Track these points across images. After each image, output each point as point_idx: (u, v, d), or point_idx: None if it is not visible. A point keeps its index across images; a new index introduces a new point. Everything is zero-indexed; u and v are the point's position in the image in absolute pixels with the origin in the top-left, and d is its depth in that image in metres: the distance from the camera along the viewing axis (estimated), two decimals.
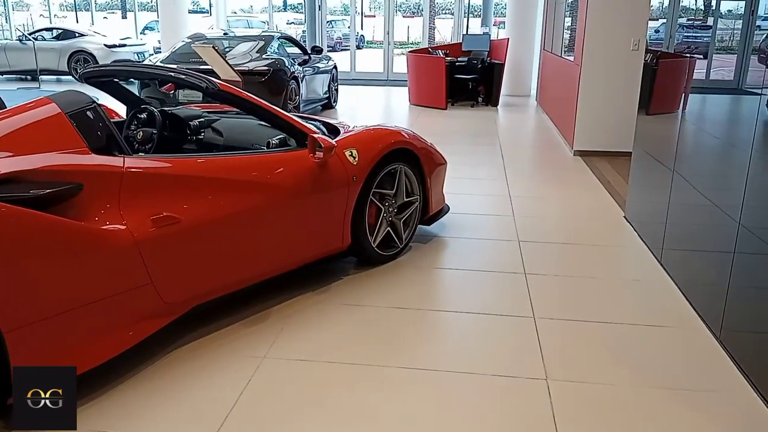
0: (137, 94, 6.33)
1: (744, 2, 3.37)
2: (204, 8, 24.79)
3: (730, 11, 3.77)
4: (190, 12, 15.37)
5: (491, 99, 10.99)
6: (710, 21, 3.97)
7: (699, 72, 3.91)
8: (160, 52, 11.91)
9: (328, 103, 10.45)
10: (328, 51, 13.65)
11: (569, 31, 8.42)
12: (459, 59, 11.08)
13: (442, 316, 3.32)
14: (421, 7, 16.27)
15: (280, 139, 3.39)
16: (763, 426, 2.36)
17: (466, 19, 15.94)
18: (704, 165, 3.61)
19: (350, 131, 3.81)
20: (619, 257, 4.20)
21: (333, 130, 3.83)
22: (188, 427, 2.31)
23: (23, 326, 2.16)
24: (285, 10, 24.58)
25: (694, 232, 3.56)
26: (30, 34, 15.26)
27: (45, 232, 2.24)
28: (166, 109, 3.75)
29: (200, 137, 3.70)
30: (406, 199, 3.88)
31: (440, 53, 11.15)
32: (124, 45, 15.24)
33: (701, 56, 3.96)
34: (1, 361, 2.12)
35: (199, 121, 3.73)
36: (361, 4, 22.84)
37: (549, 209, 5.12)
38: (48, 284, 2.25)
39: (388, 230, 3.80)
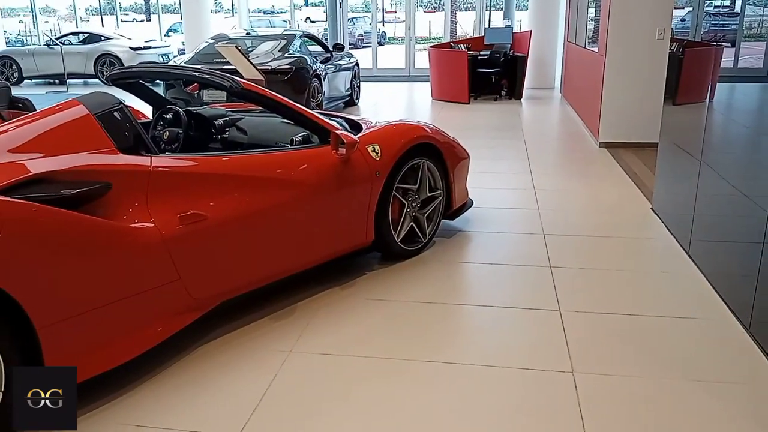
0: (163, 95, 6.42)
1: None
2: (225, 8, 25.02)
3: None
4: (212, 12, 15.53)
5: (515, 92, 10.91)
6: (737, 8, 3.91)
7: (727, 60, 3.85)
8: (184, 53, 12.05)
9: (351, 100, 10.47)
10: (350, 48, 13.68)
11: (593, 22, 8.32)
12: (481, 53, 11.02)
13: (467, 310, 3.32)
14: (442, 2, 16.19)
15: (303, 136, 3.42)
16: None
17: (488, 13, 15.84)
18: (732, 155, 3.56)
19: (372, 127, 3.83)
20: (646, 249, 4.15)
21: (355, 127, 3.85)
22: (217, 419, 2.35)
23: (56, 323, 2.21)
24: (306, 5, 24.66)
25: (722, 222, 3.50)
26: (57, 39, 15.55)
27: (76, 230, 2.29)
28: (191, 109, 3.80)
29: (225, 136, 3.75)
30: (429, 194, 3.88)
31: (462, 47, 11.10)
32: (149, 47, 15.45)
33: (729, 44, 3.90)
34: (35, 357, 2.18)
35: (223, 120, 3.78)
36: (383, 1, 22.82)
37: (574, 202, 5.08)
38: (79, 282, 2.30)
39: (412, 225, 3.81)
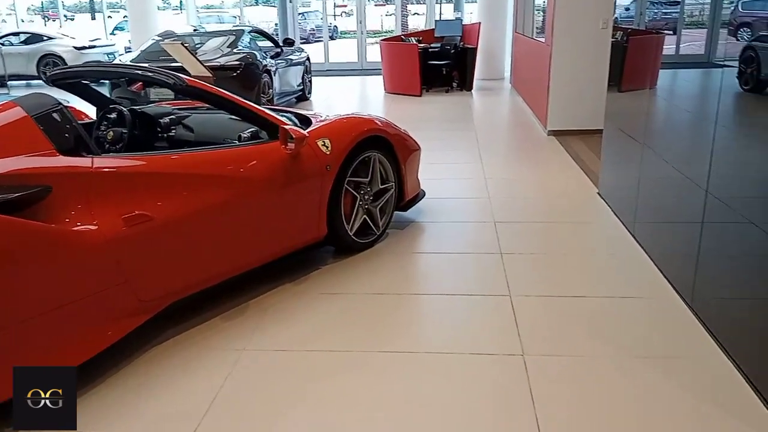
0: (108, 95, 6.27)
1: None
2: (173, 5, 24.50)
3: None
4: (159, 9, 15.21)
5: (465, 84, 11.02)
6: None
7: (669, 47, 3.96)
8: (131, 51, 11.78)
9: (303, 95, 10.42)
10: (302, 43, 13.60)
11: (540, 13, 8.46)
12: (432, 45, 11.09)
13: (421, 299, 3.35)
14: None
15: (251, 132, 3.39)
16: (736, 389, 2.42)
17: (438, 5, 15.93)
18: (674, 138, 3.67)
19: (323, 121, 3.82)
20: (593, 233, 4.26)
21: (305, 121, 3.83)
22: (169, 422, 2.33)
23: None
24: (257, 4, 24.35)
25: (664, 204, 3.62)
26: None
27: (15, 236, 2.23)
28: (135, 107, 3.72)
29: (171, 134, 3.68)
30: (381, 187, 3.90)
31: (413, 40, 11.14)
32: (94, 46, 15.02)
33: (670, 32, 4.01)
34: None
35: (169, 119, 3.71)
36: None
37: (524, 189, 5.17)
38: (21, 288, 2.24)
39: (365, 218, 3.82)
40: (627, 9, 5.56)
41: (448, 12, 16.52)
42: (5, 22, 22.28)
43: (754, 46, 2.75)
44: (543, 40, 7.60)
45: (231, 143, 3.39)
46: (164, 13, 21.19)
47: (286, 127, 3.26)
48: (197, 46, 8.79)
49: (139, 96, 7.35)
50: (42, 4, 25.65)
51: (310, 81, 10.86)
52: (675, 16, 4.06)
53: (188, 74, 5.80)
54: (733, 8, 2.96)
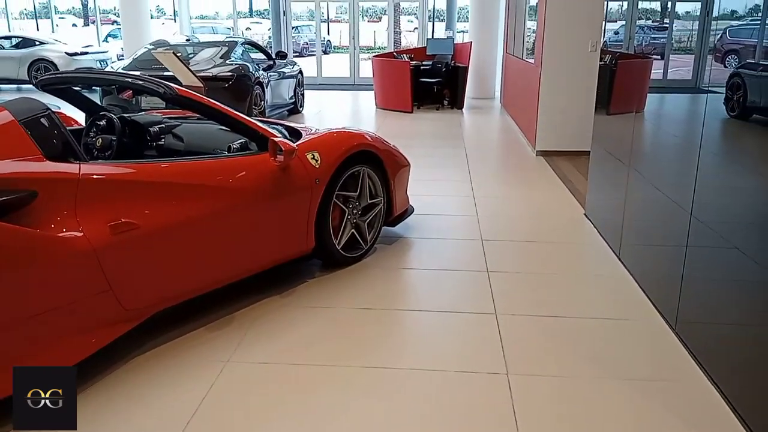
0: (99, 101, 6.25)
1: (700, 3, 3.47)
2: (167, 13, 24.52)
3: (687, 12, 3.87)
4: (153, 18, 15.20)
5: (456, 102, 11.09)
6: (667, 22, 4.08)
7: (657, 72, 4.01)
8: (123, 59, 11.77)
9: (295, 108, 10.44)
10: (295, 56, 13.65)
11: (530, 34, 8.55)
12: (424, 63, 11.18)
13: (407, 315, 3.35)
14: (386, 11, 16.34)
15: (241, 143, 3.39)
16: (717, 413, 2.43)
17: (431, 24, 16.07)
18: (660, 162, 3.71)
19: (313, 134, 3.83)
20: (579, 253, 4.29)
21: (295, 134, 3.83)
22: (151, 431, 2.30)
23: None
24: (251, 15, 24.42)
25: (649, 226, 3.65)
26: None
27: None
28: (125, 115, 3.71)
29: (161, 143, 3.68)
30: (370, 201, 3.91)
31: (405, 57, 11.22)
32: (86, 53, 14.98)
33: (658, 56, 4.07)
34: None
35: (159, 127, 3.71)
36: (327, 9, 22.85)
37: (512, 208, 5.20)
38: (4, 292, 2.21)
39: (353, 232, 3.82)
40: (616, 33, 5.63)
41: (440, 30, 16.68)
42: None
43: (741, 73, 2.80)
44: (532, 61, 7.69)
45: (220, 154, 3.39)
46: (156, 22, 21.18)
47: (276, 139, 3.26)
48: (190, 56, 8.80)
49: (130, 104, 7.34)
50: (35, 8, 25.58)
51: (303, 94, 10.89)
52: (663, 41, 4.12)
53: (180, 84, 5.80)
54: (720, 35, 3.01)
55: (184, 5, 16.89)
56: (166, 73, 6.95)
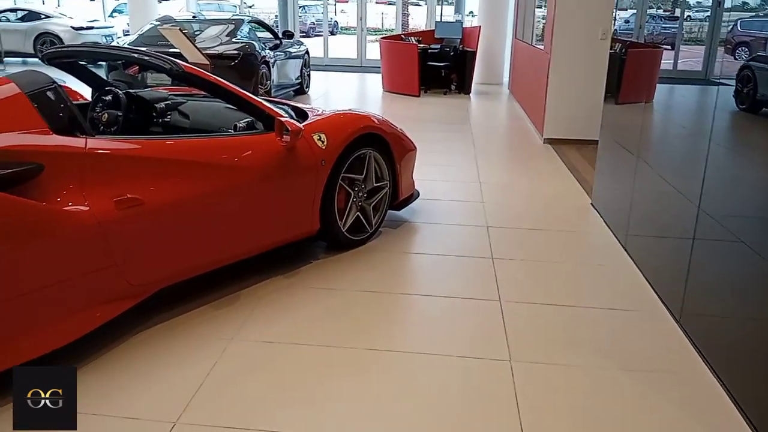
0: (104, 77, 6.22)
1: None
2: None
3: (699, 2, 3.83)
4: None
5: (464, 87, 11.01)
6: (678, 12, 4.04)
7: (667, 62, 3.97)
8: (129, 34, 11.70)
9: (301, 89, 10.38)
10: (302, 36, 13.55)
11: (540, 20, 8.47)
12: (432, 46, 11.08)
13: (411, 299, 3.34)
14: None
15: (247, 122, 3.37)
16: (720, 407, 2.42)
17: (439, 7, 15.91)
18: (668, 153, 3.68)
19: (320, 115, 3.80)
20: (585, 242, 4.27)
21: (302, 115, 3.81)
22: (154, 406, 2.31)
23: None
24: None
25: (656, 217, 3.63)
26: None
27: (5, 212, 2.20)
28: (131, 91, 3.69)
29: (166, 120, 3.65)
30: (375, 184, 3.89)
31: (413, 40, 11.13)
32: (92, 27, 14.91)
33: (669, 47, 4.02)
34: None
35: (165, 104, 3.67)
36: None
37: (518, 196, 5.17)
38: (9, 264, 2.21)
39: (358, 215, 3.81)
40: (626, 21, 5.57)
41: (448, 13, 16.52)
42: None
43: (751, 65, 2.76)
44: (542, 47, 7.62)
45: (226, 132, 3.37)
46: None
47: (282, 119, 3.24)
48: (196, 33, 8.73)
49: (137, 80, 7.30)
50: None
51: (309, 75, 10.82)
52: (674, 31, 4.07)
53: (186, 60, 5.75)
54: (731, 27, 2.97)
55: None
56: (171, 50, 6.90)
